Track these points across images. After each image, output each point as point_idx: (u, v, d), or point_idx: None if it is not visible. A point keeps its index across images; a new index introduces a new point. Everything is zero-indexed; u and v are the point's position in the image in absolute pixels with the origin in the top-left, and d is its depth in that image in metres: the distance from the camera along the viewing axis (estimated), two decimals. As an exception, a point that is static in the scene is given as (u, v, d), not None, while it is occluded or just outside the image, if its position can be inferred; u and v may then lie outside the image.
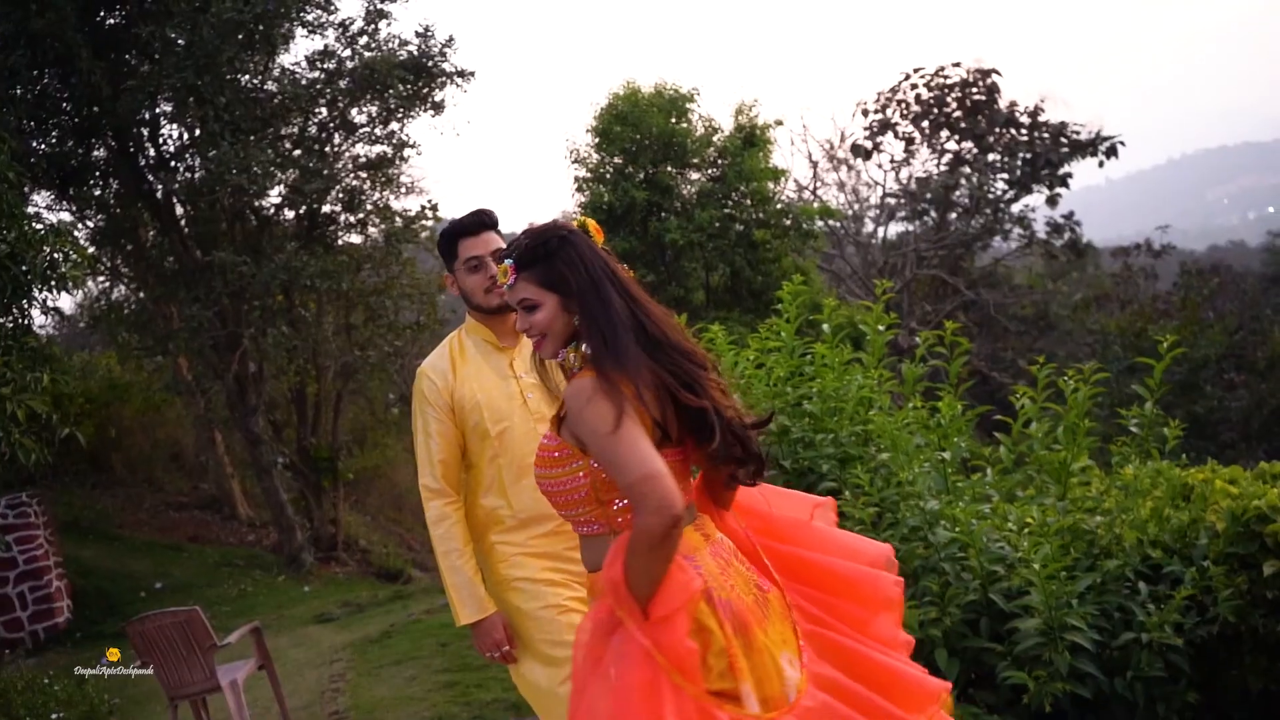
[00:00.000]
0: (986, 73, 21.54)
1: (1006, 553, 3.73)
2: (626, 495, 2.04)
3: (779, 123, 14.22)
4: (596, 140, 13.79)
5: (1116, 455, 4.05)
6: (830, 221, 17.50)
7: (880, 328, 4.76)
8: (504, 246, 2.79)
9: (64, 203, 13.51)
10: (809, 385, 4.71)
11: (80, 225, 13.74)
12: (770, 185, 14.01)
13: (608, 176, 13.45)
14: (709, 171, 14.00)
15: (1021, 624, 3.44)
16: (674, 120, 13.69)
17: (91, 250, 13.69)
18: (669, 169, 13.63)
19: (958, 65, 21.79)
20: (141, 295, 14.65)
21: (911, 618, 3.56)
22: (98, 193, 13.70)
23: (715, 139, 13.92)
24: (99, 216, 13.91)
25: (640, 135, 13.40)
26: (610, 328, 2.13)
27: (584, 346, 2.17)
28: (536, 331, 2.22)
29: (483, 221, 3.07)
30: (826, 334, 4.77)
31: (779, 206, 14.21)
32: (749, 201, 13.91)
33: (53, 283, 7.73)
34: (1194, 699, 3.50)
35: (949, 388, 4.39)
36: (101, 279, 15.22)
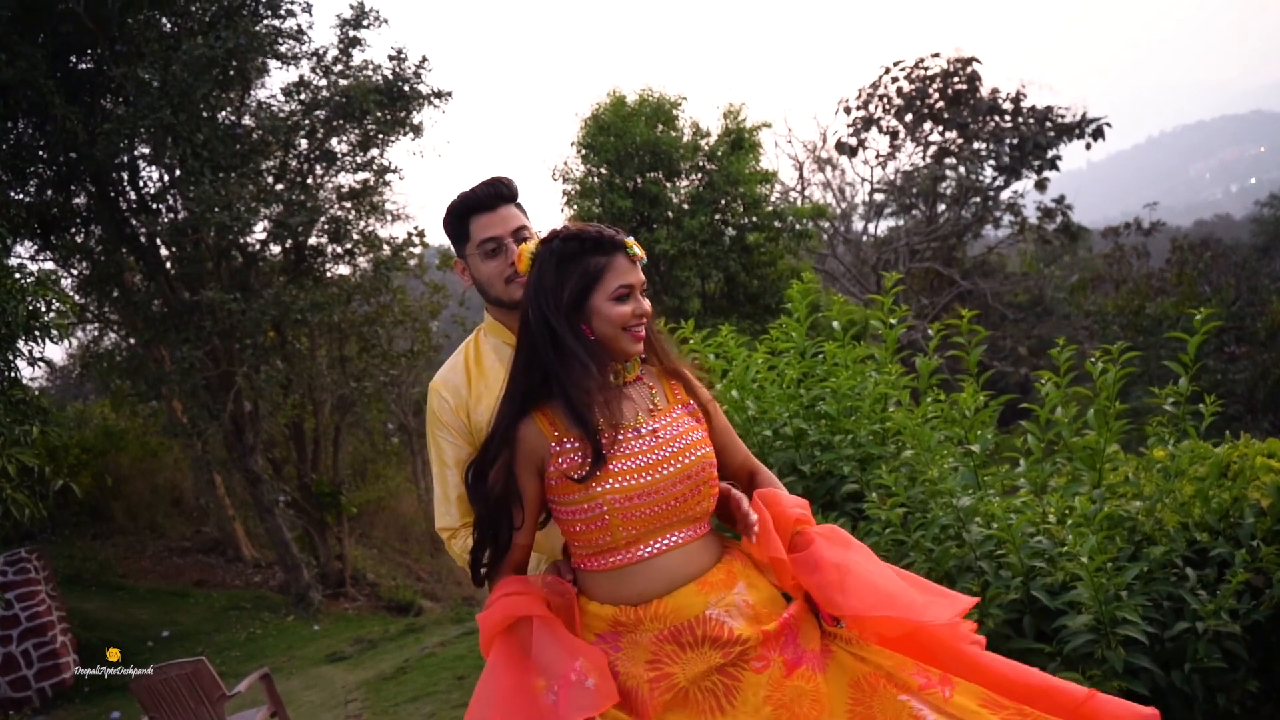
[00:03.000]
0: (966, 61, 21.49)
1: (1046, 547, 3.56)
2: (744, 462, 2.31)
3: (767, 125, 14.08)
4: (582, 152, 13.65)
5: (1152, 435, 3.87)
6: (820, 221, 17.37)
7: (892, 321, 4.59)
8: (527, 225, 2.48)
9: (47, 252, 13.36)
10: (822, 386, 4.55)
11: (65, 274, 13.60)
12: (760, 188, 13.86)
13: (595, 189, 13.29)
14: (697, 176, 13.87)
15: (1070, 621, 3.26)
16: (660, 128, 13.53)
17: (78, 299, 13.55)
18: (657, 177, 13.49)
19: (937, 56, 21.77)
20: (131, 341, 14.50)
21: (952, 622, 3.38)
22: (80, 240, 13.54)
23: (703, 143, 13.79)
24: (83, 264, 13.76)
25: (625, 145, 13.24)
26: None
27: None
28: (647, 318, 2.15)
29: (499, 193, 2.49)
30: (837, 331, 4.60)
31: (770, 209, 14.07)
32: (739, 205, 13.76)
33: (36, 333, 7.57)
34: (1254, 687, 3.32)
35: (968, 378, 4.22)
36: (90, 327, 15.09)
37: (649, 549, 2.05)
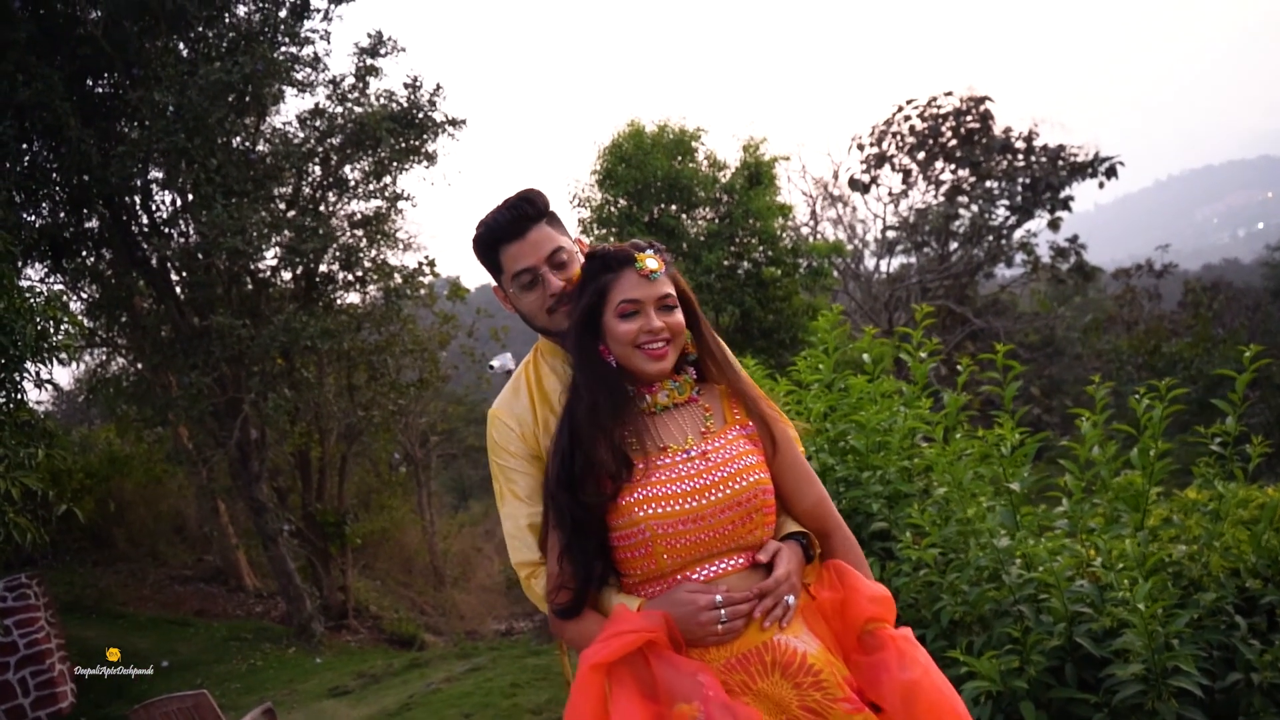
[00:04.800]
0: (979, 100, 21.49)
1: (1089, 590, 3.41)
2: (814, 510, 2.08)
3: (784, 158, 14.06)
4: (600, 181, 13.59)
5: (1199, 476, 3.73)
6: (834, 258, 17.33)
7: (922, 355, 4.47)
8: (563, 245, 2.20)
9: (57, 275, 13.29)
10: (848, 420, 4.42)
11: (74, 297, 13.52)
12: (778, 222, 13.79)
13: (613, 218, 13.22)
14: (715, 208, 13.79)
15: (1119, 670, 3.10)
16: (678, 160, 13.47)
17: (86, 322, 13.47)
18: (674, 210, 13.42)
19: (950, 94, 21.78)
20: (139, 366, 14.40)
21: (991, 668, 3.24)
22: (90, 263, 13.47)
23: (721, 175, 13.72)
24: (93, 287, 13.68)
25: (644, 176, 13.17)
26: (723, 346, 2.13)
27: (690, 374, 2.11)
28: (670, 334, 2.01)
29: (525, 215, 2.18)
30: (867, 364, 4.48)
31: (786, 244, 14.00)
32: (755, 240, 13.68)
33: (45, 354, 7.46)
34: (1310, 743, 3.16)
35: (1002, 414, 4.08)
36: (99, 351, 15.00)
37: (696, 576, 1.94)
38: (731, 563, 1.95)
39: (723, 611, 1.88)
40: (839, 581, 1.99)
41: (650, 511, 1.92)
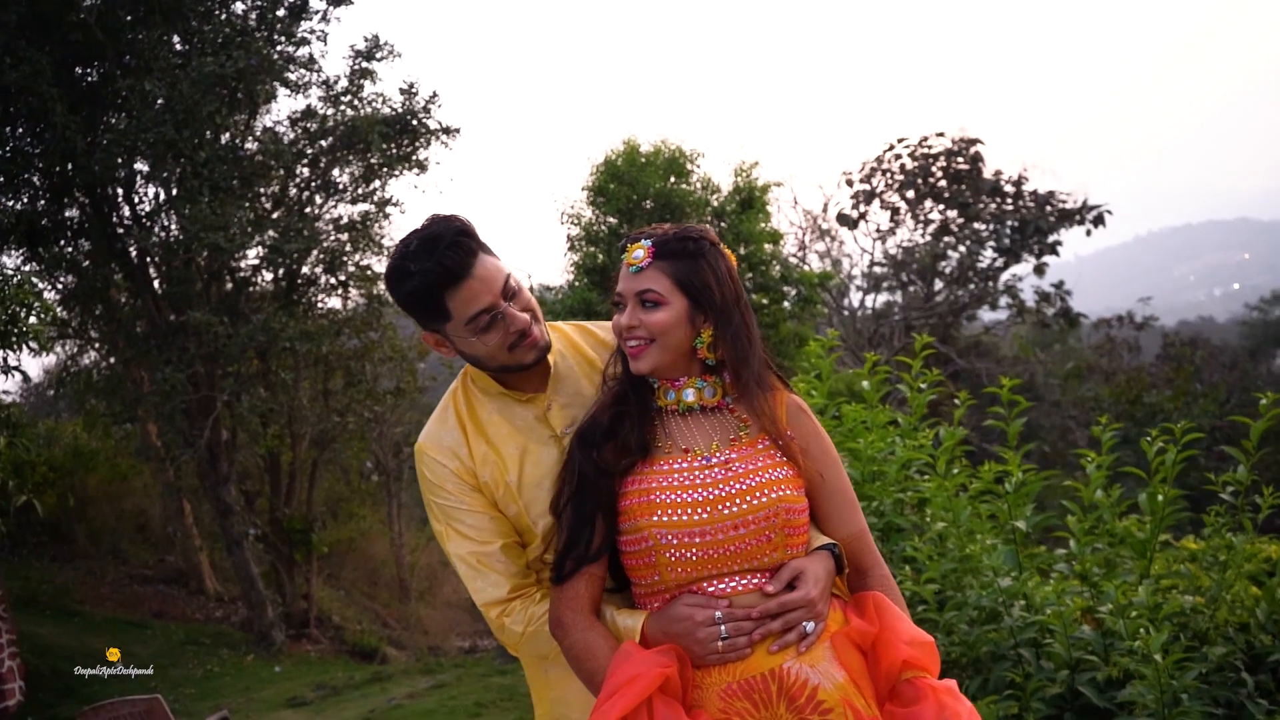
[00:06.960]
0: (970, 142, 21.53)
1: (1091, 637, 3.28)
2: (850, 543, 1.90)
3: (777, 184, 13.99)
4: (591, 198, 13.48)
5: (1209, 526, 3.62)
6: (821, 290, 17.28)
7: (921, 385, 4.35)
8: (509, 272, 2.00)
9: (33, 263, 13.03)
10: (843, 448, 4.28)
11: (49, 286, 13.26)
12: (768, 248, 13.72)
13: (602, 236, 13.11)
14: (706, 231, 13.69)
15: (1126, 722, 2.97)
16: (673, 180, 13.38)
17: (60, 312, 13.22)
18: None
19: (941, 135, 21.79)
20: (111, 360, 14.14)
21: (989, 714, 3.09)
22: (68, 252, 13.22)
23: (712, 199, 13.64)
24: (69, 277, 13.42)
25: (638, 195, 13.07)
26: (758, 355, 1.91)
27: (726, 378, 1.93)
28: (646, 334, 1.85)
29: (469, 250, 1.93)
30: (867, 391, 4.35)
31: (776, 272, 13.92)
32: (745, 265, 13.60)
33: (14, 339, 7.26)
34: (1316, 808, 3.03)
35: (1008, 450, 3.96)
36: (70, 343, 14.74)
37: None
38: (744, 582, 1.78)
39: (723, 628, 1.73)
40: (876, 615, 1.81)
41: (654, 519, 1.79)
